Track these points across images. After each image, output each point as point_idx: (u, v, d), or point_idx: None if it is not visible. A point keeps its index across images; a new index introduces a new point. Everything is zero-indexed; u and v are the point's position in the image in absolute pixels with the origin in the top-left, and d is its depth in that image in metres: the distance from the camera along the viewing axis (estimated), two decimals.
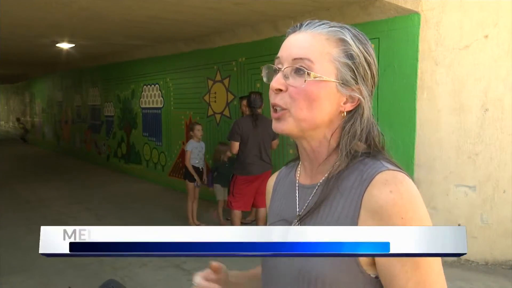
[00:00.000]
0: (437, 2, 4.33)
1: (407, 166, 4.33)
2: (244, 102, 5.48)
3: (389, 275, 0.75)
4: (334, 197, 0.82)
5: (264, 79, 0.90)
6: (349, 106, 0.84)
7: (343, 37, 0.82)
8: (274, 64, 0.87)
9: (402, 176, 0.77)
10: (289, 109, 0.83)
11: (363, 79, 0.83)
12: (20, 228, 5.77)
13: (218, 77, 7.04)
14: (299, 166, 0.96)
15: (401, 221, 0.72)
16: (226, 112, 6.89)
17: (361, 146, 0.85)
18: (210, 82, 7.22)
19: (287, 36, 0.87)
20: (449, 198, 4.43)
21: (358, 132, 0.84)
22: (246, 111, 5.45)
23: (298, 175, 0.95)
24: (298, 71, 0.81)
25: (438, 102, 4.40)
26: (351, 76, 0.82)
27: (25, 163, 12.53)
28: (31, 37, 6.88)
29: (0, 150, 15.66)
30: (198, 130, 5.67)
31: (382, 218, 0.74)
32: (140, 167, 9.54)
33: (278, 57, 0.86)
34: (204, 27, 6.12)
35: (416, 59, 4.37)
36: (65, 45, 7.87)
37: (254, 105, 4.73)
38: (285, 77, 0.83)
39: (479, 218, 4.40)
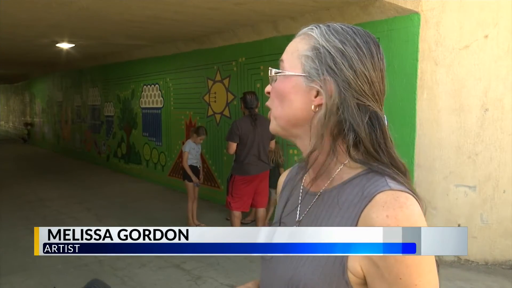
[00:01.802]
0: (437, 2, 4.33)
1: (407, 166, 4.33)
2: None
3: None
4: (333, 210, 0.80)
5: None
6: (318, 100, 0.80)
7: (310, 32, 0.84)
8: None
9: (404, 199, 0.72)
10: (271, 109, 0.88)
11: (331, 70, 0.78)
12: (20, 228, 5.76)
13: (218, 77, 7.04)
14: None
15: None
16: (226, 112, 6.89)
17: (361, 155, 0.79)
18: (210, 82, 7.22)
19: None
20: (449, 198, 4.43)
21: (330, 126, 0.78)
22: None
23: (305, 179, 0.93)
24: (276, 74, 0.86)
25: (438, 102, 4.40)
26: (313, 68, 0.80)
27: (25, 163, 12.53)
28: (31, 37, 6.88)
29: (0, 150, 15.66)
30: (201, 139, 5.68)
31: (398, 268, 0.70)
32: (140, 167, 9.54)
33: None
34: (204, 27, 6.12)
35: (416, 59, 4.37)
36: (65, 45, 7.87)
37: (251, 105, 4.72)
38: (273, 81, 0.88)
39: (479, 218, 4.40)
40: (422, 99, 4.42)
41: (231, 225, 4.86)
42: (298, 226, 0.85)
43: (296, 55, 0.83)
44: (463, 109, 4.35)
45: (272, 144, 4.92)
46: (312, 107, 0.80)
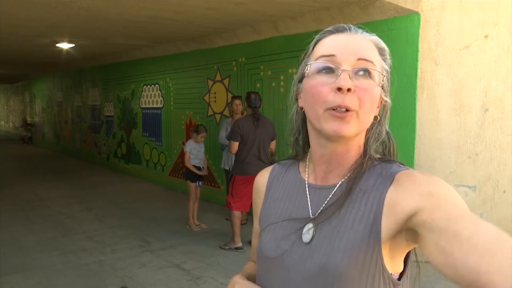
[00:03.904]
0: (437, 2, 4.33)
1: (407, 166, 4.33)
2: (237, 101, 5.51)
3: (444, 225, 0.70)
4: (356, 196, 0.83)
5: (307, 73, 0.85)
6: (377, 111, 0.87)
7: (384, 47, 0.87)
8: (325, 63, 0.82)
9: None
10: (357, 111, 0.79)
11: (388, 90, 0.90)
12: (20, 228, 5.77)
13: (218, 77, 7.04)
14: (306, 166, 0.95)
15: (440, 182, 0.75)
16: (226, 112, 6.89)
17: (376, 154, 0.89)
18: (210, 82, 7.23)
19: (331, 35, 0.85)
20: None
21: (383, 134, 0.88)
22: (238, 110, 5.48)
23: (307, 175, 0.93)
24: (364, 72, 0.80)
25: (438, 102, 4.41)
26: (386, 86, 0.88)
27: (25, 163, 12.53)
28: (31, 37, 6.88)
29: (0, 150, 15.66)
30: (202, 137, 5.68)
31: (420, 185, 0.75)
32: (140, 167, 9.54)
33: (333, 55, 0.81)
34: (204, 27, 6.12)
35: (416, 59, 4.37)
36: (65, 45, 7.87)
37: (255, 104, 4.72)
38: (366, 78, 0.81)
39: None
40: (422, 99, 4.42)
41: (231, 225, 4.86)
42: (314, 220, 0.86)
43: (380, 65, 0.85)
44: (463, 109, 4.35)
45: (273, 144, 4.92)
46: (378, 118, 0.88)
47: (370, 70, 0.80)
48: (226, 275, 4.16)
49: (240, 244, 4.85)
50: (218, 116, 7.10)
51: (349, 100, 0.78)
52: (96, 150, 11.67)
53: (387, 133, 0.90)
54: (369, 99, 0.80)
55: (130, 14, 5.19)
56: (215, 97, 7.15)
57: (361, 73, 0.80)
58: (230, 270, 4.29)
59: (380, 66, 0.84)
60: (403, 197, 0.76)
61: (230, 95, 6.78)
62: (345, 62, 0.80)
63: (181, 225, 5.82)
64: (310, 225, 0.85)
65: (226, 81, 6.87)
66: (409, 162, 4.39)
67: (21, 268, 4.38)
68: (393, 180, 0.80)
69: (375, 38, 0.87)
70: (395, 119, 4.49)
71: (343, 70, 0.79)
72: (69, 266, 4.43)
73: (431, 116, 4.42)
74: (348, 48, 0.81)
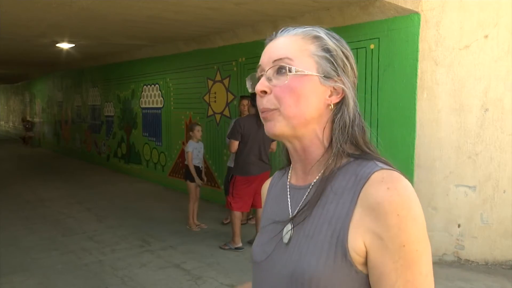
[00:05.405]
0: (437, 2, 4.33)
1: (407, 166, 4.33)
2: (245, 101, 5.48)
3: (379, 272, 0.75)
4: (327, 198, 0.81)
5: (249, 90, 0.91)
6: (335, 99, 0.85)
7: (317, 34, 0.85)
8: (257, 73, 0.88)
9: (397, 175, 0.78)
10: (278, 108, 0.83)
11: (343, 71, 0.85)
12: (20, 228, 5.77)
13: (218, 77, 7.04)
14: (291, 169, 0.96)
15: (396, 218, 0.72)
16: (226, 112, 6.89)
17: (352, 148, 0.85)
18: (210, 82, 7.23)
19: (266, 45, 0.89)
20: (449, 198, 4.43)
21: (348, 123, 0.84)
22: (245, 110, 5.45)
23: (289, 177, 0.95)
24: (280, 71, 0.83)
25: (438, 102, 4.41)
26: (331, 68, 0.83)
27: (25, 163, 12.53)
28: (31, 37, 6.88)
29: (0, 150, 15.66)
30: (198, 131, 5.68)
31: (378, 215, 0.74)
32: (140, 167, 9.54)
33: (260, 65, 0.87)
34: (204, 27, 6.12)
35: (416, 59, 4.37)
36: (65, 45, 7.87)
37: None
38: (269, 79, 0.84)
39: (479, 218, 4.40)
40: (422, 99, 4.42)
41: (232, 225, 4.86)
42: (292, 220, 0.86)
43: (306, 54, 0.83)
44: (463, 109, 4.35)
45: (274, 145, 4.91)
46: (331, 106, 0.84)
47: (284, 65, 0.82)
48: (226, 275, 4.16)
49: (240, 244, 4.85)
50: (218, 116, 7.10)
51: (265, 101, 0.84)
52: (96, 150, 11.67)
53: (351, 120, 0.84)
54: (286, 93, 0.82)
55: (130, 14, 5.18)
56: (215, 97, 7.15)
57: (277, 72, 0.83)
58: (230, 270, 4.29)
59: (307, 55, 0.83)
60: (369, 223, 0.74)
61: (230, 95, 6.78)
62: (266, 67, 0.85)
63: (181, 225, 5.82)
64: (289, 226, 0.86)
65: (226, 81, 6.87)
66: (409, 162, 4.39)
67: (21, 268, 4.38)
68: (364, 184, 0.77)
69: (304, 30, 0.85)
70: (395, 119, 4.50)
71: (259, 76, 0.86)
72: (69, 266, 4.43)
73: (431, 116, 4.42)
74: (266, 54, 0.86)
